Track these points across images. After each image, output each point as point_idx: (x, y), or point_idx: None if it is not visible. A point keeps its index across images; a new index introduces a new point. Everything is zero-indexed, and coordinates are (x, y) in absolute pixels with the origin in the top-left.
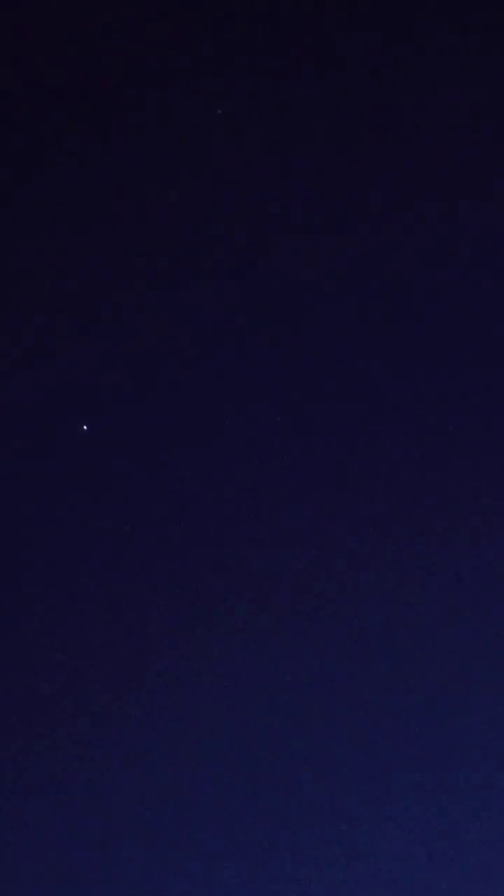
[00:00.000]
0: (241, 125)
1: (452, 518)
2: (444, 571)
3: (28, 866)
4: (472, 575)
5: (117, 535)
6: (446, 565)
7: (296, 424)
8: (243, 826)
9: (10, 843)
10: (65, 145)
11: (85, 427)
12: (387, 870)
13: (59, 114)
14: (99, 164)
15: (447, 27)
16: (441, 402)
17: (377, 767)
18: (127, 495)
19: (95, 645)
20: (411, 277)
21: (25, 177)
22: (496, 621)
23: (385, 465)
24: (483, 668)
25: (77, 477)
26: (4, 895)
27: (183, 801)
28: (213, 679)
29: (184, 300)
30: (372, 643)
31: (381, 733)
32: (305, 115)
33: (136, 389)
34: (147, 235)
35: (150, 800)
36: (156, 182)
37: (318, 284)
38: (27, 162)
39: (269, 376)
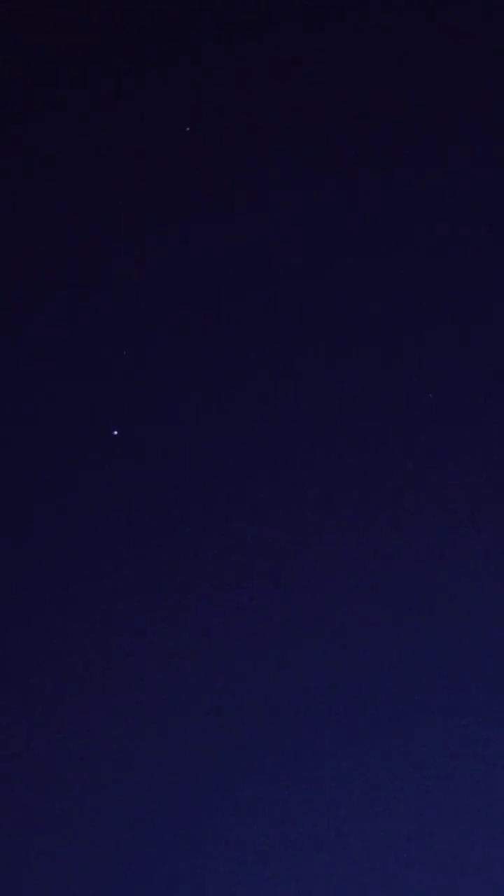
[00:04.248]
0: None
1: (452, 517)
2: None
3: (27, 866)
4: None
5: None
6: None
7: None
8: (241, 816)
9: (9, 843)
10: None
11: (115, 432)
12: (385, 863)
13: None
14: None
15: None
16: (441, 408)
17: (376, 764)
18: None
19: (107, 640)
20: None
21: (25, 180)
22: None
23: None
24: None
25: (107, 479)
26: (4, 895)
27: (181, 802)
28: (212, 667)
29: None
30: (371, 644)
31: (380, 724)
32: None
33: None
34: (157, 250)
35: (149, 795)
36: (155, 182)
37: (319, 283)
38: (25, 163)
39: (272, 377)
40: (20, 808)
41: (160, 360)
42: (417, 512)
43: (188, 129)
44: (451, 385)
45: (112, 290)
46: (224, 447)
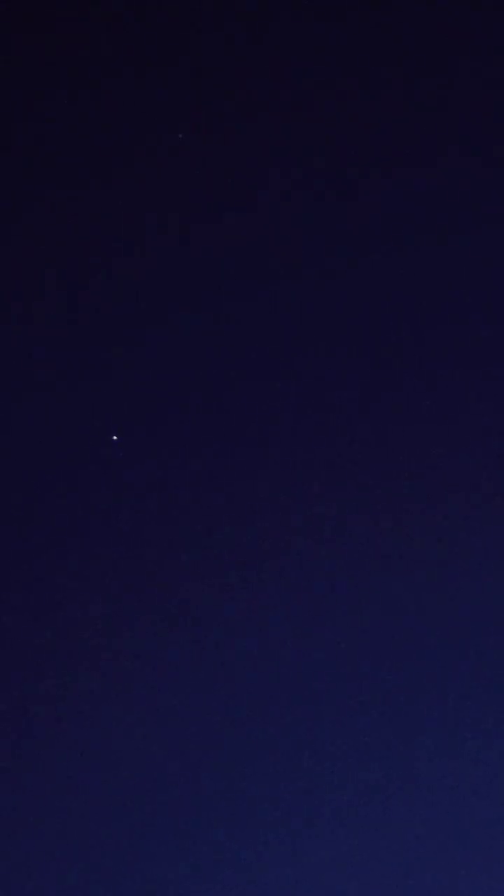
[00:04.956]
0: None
1: (452, 525)
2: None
3: (27, 866)
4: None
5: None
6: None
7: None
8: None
9: (9, 843)
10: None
11: (115, 437)
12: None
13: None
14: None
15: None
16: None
17: (377, 767)
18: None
19: (109, 642)
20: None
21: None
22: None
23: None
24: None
25: (107, 485)
26: (4, 895)
27: (180, 804)
28: (211, 671)
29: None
30: (371, 644)
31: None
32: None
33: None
34: (160, 258)
35: (148, 795)
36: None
37: (319, 287)
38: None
39: (274, 383)
40: (20, 807)
41: (159, 364)
42: (417, 512)
43: (181, 135)
44: (452, 385)
45: (110, 296)
46: (223, 450)
